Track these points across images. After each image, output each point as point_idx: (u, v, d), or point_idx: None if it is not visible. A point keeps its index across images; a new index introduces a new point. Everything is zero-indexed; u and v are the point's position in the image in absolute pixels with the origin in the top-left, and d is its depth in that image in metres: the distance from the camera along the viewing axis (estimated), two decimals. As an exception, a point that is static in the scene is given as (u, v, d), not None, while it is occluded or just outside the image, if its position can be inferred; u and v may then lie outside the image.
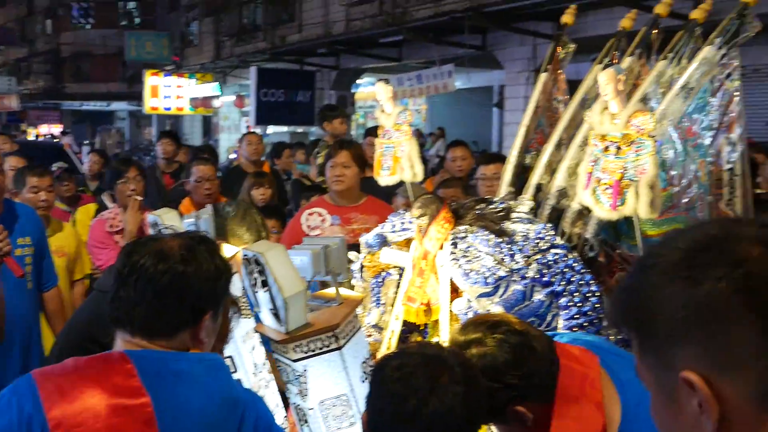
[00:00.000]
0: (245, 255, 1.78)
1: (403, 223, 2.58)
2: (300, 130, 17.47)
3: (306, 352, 1.75)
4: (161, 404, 1.53)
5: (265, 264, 1.69)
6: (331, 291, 1.94)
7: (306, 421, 1.86)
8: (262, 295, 1.77)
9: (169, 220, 2.51)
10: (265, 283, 1.73)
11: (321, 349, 1.75)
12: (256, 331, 1.87)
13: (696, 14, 2.59)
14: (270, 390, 2.44)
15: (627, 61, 2.67)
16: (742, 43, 2.39)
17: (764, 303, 0.82)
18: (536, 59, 11.39)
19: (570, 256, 2.21)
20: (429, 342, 2.16)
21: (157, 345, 1.58)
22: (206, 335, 1.61)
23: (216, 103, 22.14)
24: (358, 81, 17.36)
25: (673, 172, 2.36)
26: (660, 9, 2.75)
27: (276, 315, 1.74)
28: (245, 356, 2.44)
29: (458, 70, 12.66)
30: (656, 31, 2.75)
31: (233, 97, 20.75)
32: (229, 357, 2.45)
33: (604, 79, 1.96)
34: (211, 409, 1.58)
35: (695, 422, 0.86)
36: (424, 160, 12.35)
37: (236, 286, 2.09)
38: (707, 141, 2.38)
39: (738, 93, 2.38)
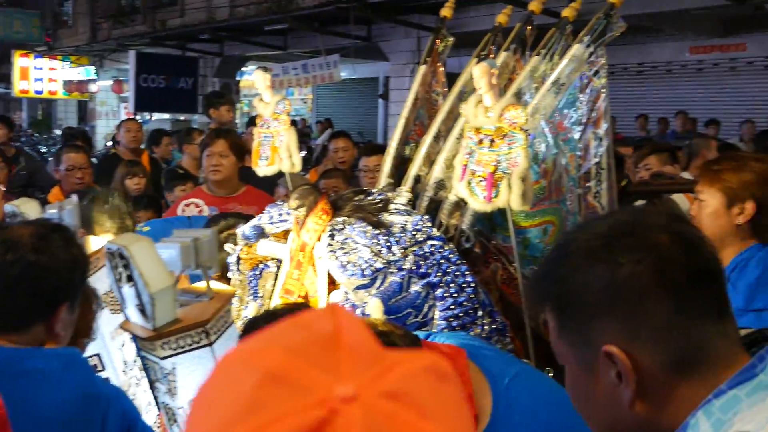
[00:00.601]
0: (108, 248, 1.69)
1: (280, 214, 2.54)
2: (182, 117, 16.96)
3: (175, 349, 1.68)
4: (14, 405, 1.43)
5: (129, 258, 1.61)
6: (201, 285, 1.87)
7: (176, 421, 1.79)
8: (128, 291, 1.68)
9: (28, 210, 2.35)
10: (130, 278, 1.65)
11: (191, 345, 1.68)
12: (123, 329, 1.78)
13: (567, 12, 2.68)
14: (141, 388, 2.34)
15: (502, 56, 2.72)
16: (609, 42, 2.48)
17: (674, 282, 0.92)
18: (420, 51, 11.46)
19: (446, 247, 2.24)
20: None
21: (8, 341, 1.47)
22: (62, 328, 1.52)
23: (92, 87, 21.15)
24: (243, 69, 17.04)
25: (544, 165, 2.43)
26: (533, 6, 2.83)
27: (142, 311, 1.67)
28: (114, 353, 2.33)
29: (344, 61, 12.66)
30: (530, 27, 2.83)
31: (110, 82, 19.87)
32: (97, 354, 2.33)
33: (477, 72, 1.99)
34: (70, 406, 1.50)
35: (612, 392, 0.94)
36: (310, 150, 12.26)
37: (104, 281, 1.99)
38: (576, 135, 2.46)
39: (604, 90, 2.48)
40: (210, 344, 1.70)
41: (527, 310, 2.12)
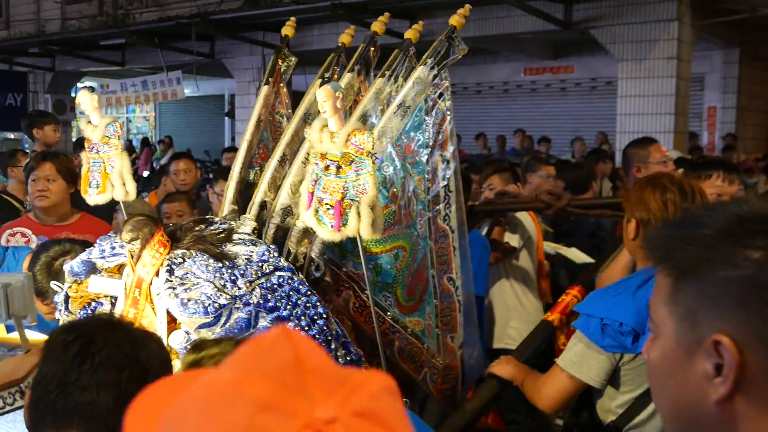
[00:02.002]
0: None
1: (113, 247, 2.33)
2: (12, 136, 15.76)
3: (-17, 414, 1.46)
4: None
5: None
6: (15, 336, 1.65)
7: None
8: None
9: None
10: (-76, 335, 1.41)
11: (3, 408, 1.47)
12: None
13: (409, 34, 2.66)
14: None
15: (347, 78, 2.67)
16: (452, 64, 2.49)
17: None
18: (265, 69, 11.37)
19: (296, 278, 2.13)
20: None
21: None
22: None
23: None
24: (78, 84, 16.10)
25: (393, 189, 2.38)
26: (376, 27, 2.80)
27: (-59, 372, 1.44)
28: None
29: (187, 77, 12.27)
30: (374, 48, 2.79)
31: (-75, 99, 18.12)
32: None
33: (321, 96, 1.91)
34: None
35: (701, 381, 0.87)
36: (154, 171, 11.72)
37: None
38: (424, 158, 2.44)
39: (450, 112, 2.48)
40: (26, 405, 1.49)
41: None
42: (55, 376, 1.24)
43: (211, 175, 10.12)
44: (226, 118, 17.54)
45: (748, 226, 0.88)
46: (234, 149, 7.97)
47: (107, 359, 1.26)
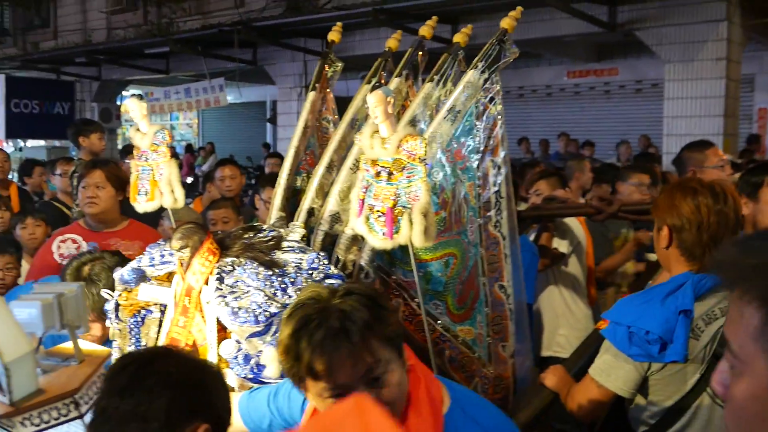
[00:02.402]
0: (-48, 311, 1.45)
1: (163, 255, 2.32)
2: (59, 144, 16.13)
3: (38, 425, 1.45)
4: None
5: (-23, 323, 1.38)
6: (68, 346, 1.64)
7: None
8: (-22, 360, 1.44)
9: None
10: (-21, 345, 1.41)
11: (57, 419, 1.46)
12: (-27, 403, 1.53)
13: (458, 38, 2.62)
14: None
15: (395, 82, 2.63)
16: (503, 67, 2.43)
17: None
18: (308, 75, 11.45)
19: (345, 286, 2.10)
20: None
21: None
22: None
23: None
24: (124, 93, 16.38)
25: (443, 196, 2.33)
26: (424, 31, 2.76)
27: (-4, 382, 1.43)
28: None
29: (230, 84, 12.40)
30: (421, 53, 2.75)
31: (-23, 108, 18.63)
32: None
33: (372, 101, 1.87)
34: None
35: None
36: (197, 177, 11.87)
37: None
38: (474, 164, 2.39)
39: (501, 117, 2.42)
40: (81, 416, 1.48)
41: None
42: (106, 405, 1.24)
43: (253, 181, 10.20)
44: (268, 124, 17.68)
45: None
46: (277, 155, 7.99)
47: (158, 385, 1.26)
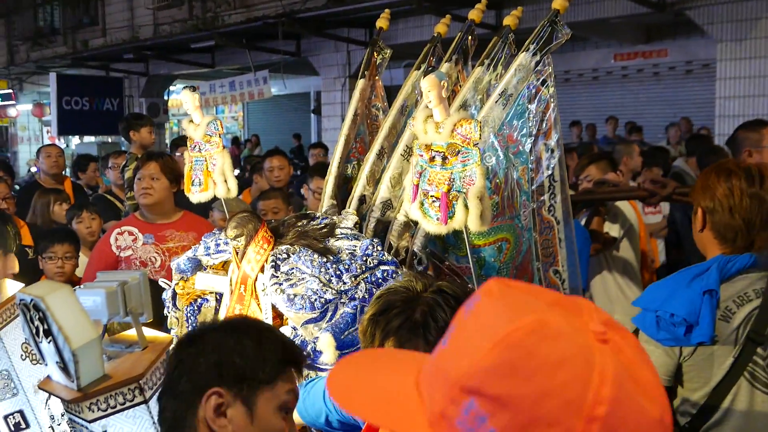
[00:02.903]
0: (21, 299, 1.48)
1: (218, 244, 2.35)
2: (110, 140, 16.46)
3: (105, 410, 1.48)
4: None
5: (46, 310, 1.40)
6: (132, 333, 1.67)
7: (110, 487, 1.59)
8: (47, 347, 1.47)
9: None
10: (48, 333, 1.44)
11: (123, 404, 1.49)
12: (42, 389, 1.56)
13: (509, 20, 2.58)
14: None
15: (445, 67, 2.61)
16: (555, 49, 2.39)
17: None
18: (351, 65, 11.44)
19: (400, 272, 2.10)
20: None
21: None
22: None
23: (12, 112, 20.29)
24: (170, 87, 16.62)
25: (496, 180, 2.31)
26: (473, 15, 2.73)
27: (64, 369, 1.46)
28: (38, 409, 2.10)
29: (274, 77, 12.45)
30: (471, 37, 2.72)
31: (31, 106, 19.13)
32: (19, 411, 2.10)
33: (426, 85, 1.86)
34: None
35: None
36: (243, 169, 12.10)
37: (20, 331, 1.77)
38: (527, 147, 2.36)
39: (553, 99, 2.39)
40: (145, 401, 1.51)
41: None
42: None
43: (299, 172, 10.26)
44: (312, 115, 17.75)
45: None
46: (320, 145, 8.02)
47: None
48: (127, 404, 1.49)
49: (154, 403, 1.53)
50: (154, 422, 1.52)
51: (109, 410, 1.48)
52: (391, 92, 2.77)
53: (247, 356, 1.25)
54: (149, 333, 1.71)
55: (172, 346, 1.30)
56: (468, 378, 0.66)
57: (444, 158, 1.88)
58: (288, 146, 16.41)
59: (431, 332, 1.40)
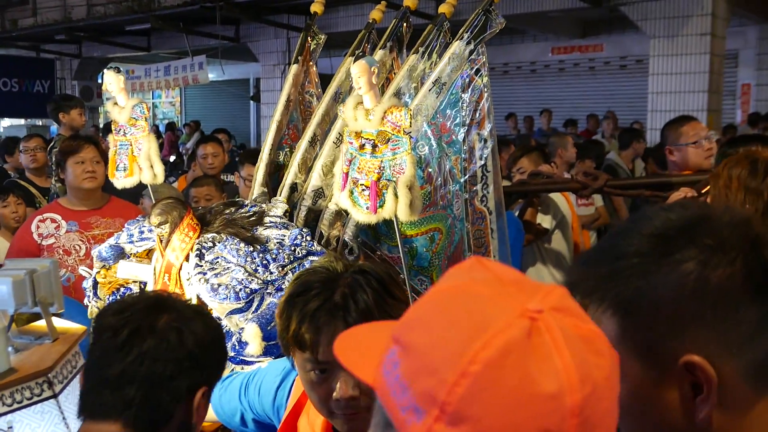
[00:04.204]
0: None
1: (141, 231, 2.27)
2: (40, 123, 15.92)
3: (10, 405, 1.40)
4: None
5: (-55, 300, 1.32)
6: (42, 324, 1.59)
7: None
8: (-53, 339, 1.39)
9: None
10: (-52, 324, 1.36)
11: (30, 399, 1.41)
12: (-57, 383, 1.47)
13: (444, 8, 2.56)
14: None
15: (379, 54, 2.57)
16: (489, 38, 2.38)
17: (760, 285, 0.83)
18: (291, 52, 11.31)
19: (328, 262, 2.05)
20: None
21: None
22: None
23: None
24: (105, 70, 16.15)
25: (429, 170, 2.29)
26: (409, 2, 2.70)
27: (-33, 362, 1.38)
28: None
29: (212, 62, 12.24)
30: (406, 24, 2.69)
31: (-45, 87, 18.33)
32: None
33: (356, 71, 1.82)
34: None
35: (680, 406, 0.85)
36: (180, 155, 11.77)
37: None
38: (461, 137, 2.35)
39: (487, 89, 2.38)
40: (54, 396, 1.43)
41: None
42: (101, 366, 1.19)
43: (237, 159, 10.12)
44: (252, 102, 17.52)
45: (673, 241, 0.86)
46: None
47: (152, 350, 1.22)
48: (35, 399, 1.42)
49: (66, 398, 1.46)
50: (64, 418, 1.45)
51: (15, 405, 1.40)
52: (331, 80, 2.72)
53: None
54: (60, 324, 1.63)
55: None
56: (396, 327, 0.72)
57: (374, 146, 1.85)
58: (227, 133, 16.15)
59: (351, 314, 1.31)
